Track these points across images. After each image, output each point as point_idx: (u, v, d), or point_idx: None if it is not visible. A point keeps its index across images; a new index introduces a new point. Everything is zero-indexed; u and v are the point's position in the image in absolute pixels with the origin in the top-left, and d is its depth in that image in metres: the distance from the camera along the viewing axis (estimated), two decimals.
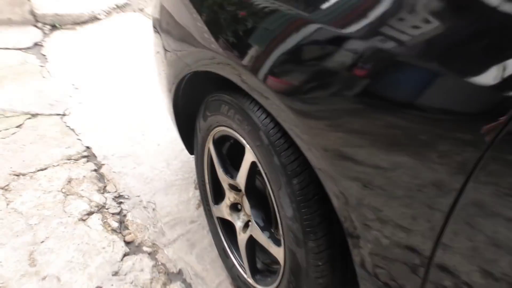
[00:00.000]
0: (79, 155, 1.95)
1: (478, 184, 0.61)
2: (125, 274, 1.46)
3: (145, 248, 1.57)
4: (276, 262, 1.32)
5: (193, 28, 1.13)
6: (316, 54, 0.78)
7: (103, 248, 1.54)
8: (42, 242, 1.54)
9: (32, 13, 2.88)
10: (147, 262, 1.51)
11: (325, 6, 0.77)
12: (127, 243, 1.58)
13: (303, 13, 0.80)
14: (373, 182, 0.75)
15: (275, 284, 1.18)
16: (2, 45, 2.71)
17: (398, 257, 0.80)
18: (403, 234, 0.77)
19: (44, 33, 2.89)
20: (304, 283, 1.04)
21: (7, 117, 2.13)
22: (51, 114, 2.19)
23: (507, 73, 0.55)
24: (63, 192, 1.75)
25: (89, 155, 1.97)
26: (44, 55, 2.69)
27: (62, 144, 2.01)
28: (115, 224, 1.64)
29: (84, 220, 1.64)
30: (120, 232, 1.62)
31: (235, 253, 1.41)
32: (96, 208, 1.70)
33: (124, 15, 3.24)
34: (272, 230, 1.20)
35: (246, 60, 0.94)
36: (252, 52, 0.92)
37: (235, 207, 1.36)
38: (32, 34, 2.84)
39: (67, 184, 1.79)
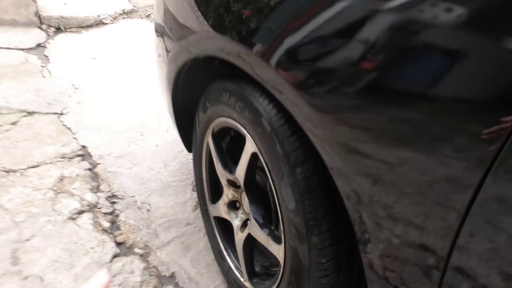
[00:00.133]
0: (73, 154, 1.87)
1: (498, 179, 0.54)
2: (114, 276, 1.36)
3: (137, 250, 1.47)
4: (275, 264, 1.22)
5: (194, 14, 1.06)
6: (339, 40, 0.69)
7: (92, 248, 1.45)
8: (27, 240, 1.45)
9: (37, 15, 2.85)
10: (138, 264, 1.41)
11: None
12: (118, 244, 1.49)
13: None
14: (388, 178, 0.68)
15: (275, 286, 1.08)
16: (4, 44, 2.67)
17: (411, 259, 0.72)
18: (417, 234, 0.69)
19: (48, 35, 2.85)
20: (306, 284, 0.94)
21: (2, 114, 2.06)
22: (48, 113, 2.13)
23: None
24: (53, 190, 1.66)
25: (84, 154, 1.89)
26: (46, 56, 2.64)
27: (57, 142, 1.93)
28: (106, 224, 1.55)
29: (73, 219, 1.55)
30: (111, 233, 1.52)
31: (232, 256, 1.31)
32: (88, 207, 1.61)
33: (130, 21, 3.21)
34: (272, 228, 1.11)
35: (257, 48, 0.86)
36: (264, 38, 0.84)
37: (233, 205, 1.26)
38: (35, 36, 2.80)
39: (59, 182, 1.70)
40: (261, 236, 1.08)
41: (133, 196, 1.70)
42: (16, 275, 1.32)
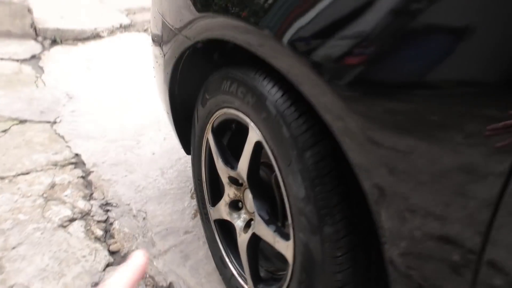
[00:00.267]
0: (66, 162, 1.79)
1: None
2: None
3: None
4: (281, 269, 1.13)
5: None
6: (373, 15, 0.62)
7: (84, 256, 1.34)
8: (14, 248, 1.34)
9: (33, 27, 2.81)
10: None
11: None
12: (112, 253, 1.38)
13: None
14: (414, 169, 0.60)
15: None
16: None
17: (440, 255, 0.63)
18: (446, 228, 0.61)
19: (44, 47, 2.80)
20: (319, 281, 0.84)
21: None
22: (40, 121, 2.05)
23: None
24: (44, 197, 1.57)
25: (77, 162, 1.80)
26: (40, 67, 2.58)
27: (49, 150, 1.84)
28: (99, 232, 1.45)
29: (64, 227, 1.45)
30: (105, 241, 1.42)
31: (234, 262, 1.21)
32: (80, 215, 1.51)
33: (127, 34, 3.17)
34: (279, 224, 1.02)
35: (274, 27, 0.76)
36: (283, 14, 0.76)
37: (235, 206, 1.17)
38: (30, 47, 2.75)
39: (50, 189, 1.61)
40: (267, 233, 0.99)
41: (128, 204, 1.60)
42: (0, 284, 1.21)
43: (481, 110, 0.52)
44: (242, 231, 1.12)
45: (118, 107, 2.22)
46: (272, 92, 0.89)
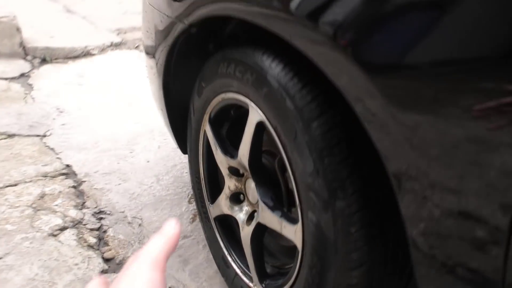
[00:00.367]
0: (56, 173, 1.71)
1: None
2: None
3: None
4: (288, 263, 1.06)
5: None
6: None
7: (76, 264, 1.26)
8: (0, 258, 1.26)
9: (22, 46, 2.77)
10: None
11: None
12: (106, 260, 1.30)
13: None
14: (443, 148, 0.56)
15: (291, 281, 0.90)
16: None
17: (468, 232, 0.58)
18: (474, 205, 0.55)
19: (33, 66, 2.75)
20: (332, 263, 0.77)
21: None
22: (29, 135, 1.98)
23: None
24: (33, 207, 1.49)
25: (69, 173, 1.73)
26: (30, 84, 2.53)
27: (38, 162, 1.77)
28: (92, 240, 1.37)
29: (55, 236, 1.37)
30: (98, 249, 1.34)
31: (237, 260, 1.14)
32: (71, 224, 1.43)
33: (118, 52, 3.13)
34: (285, 210, 0.95)
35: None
36: None
37: (236, 199, 1.11)
38: (19, 66, 2.70)
39: (39, 199, 1.53)
40: (273, 220, 0.92)
41: (122, 212, 1.53)
42: None
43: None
44: (245, 224, 1.06)
45: (111, 119, 2.16)
46: (272, 66, 0.85)
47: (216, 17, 0.92)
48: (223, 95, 1.03)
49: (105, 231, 1.42)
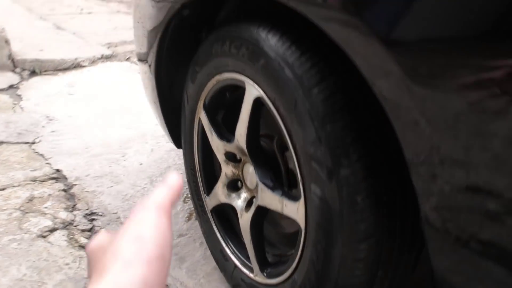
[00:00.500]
0: (46, 177, 1.66)
1: None
2: None
3: None
4: (289, 251, 1.01)
5: None
6: None
7: (67, 264, 1.20)
8: None
9: (10, 58, 2.73)
10: None
11: None
12: None
13: None
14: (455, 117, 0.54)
15: (294, 263, 0.86)
16: None
17: (481, 204, 0.55)
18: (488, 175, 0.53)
19: (22, 78, 2.71)
20: (338, 236, 0.73)
21: None
22: (18, 142, 1.92)
23: None
24: (21, 210, 1.43)
25: (59, 177, 1.67)
26: (19, 95, 2.48)
27: (27, 167, 1.72)
28: (84, 240, 1.31)
29: (44, 237, 1.31)
30: None
31: (236, 252, 1.09)
32: (62, 225, 1.37)
33: (109, 64, 3.10)
34: (285, 189, 0.92)
35: None
36: None
37: (233, 186, 1.07)
38: (8, 78, 2.65)
39: (27, 202, 1.48)
40: (274, 200, 0.88)
41: (115, 213, 1.47)
42: None
43: None
44: (244, 210, 1.01)
45: (102, 125, 2.12)
46: (269, 37, 0.82)
47: None
48: (218, 77, 1.00)
49: (97, 232, 1.36)
